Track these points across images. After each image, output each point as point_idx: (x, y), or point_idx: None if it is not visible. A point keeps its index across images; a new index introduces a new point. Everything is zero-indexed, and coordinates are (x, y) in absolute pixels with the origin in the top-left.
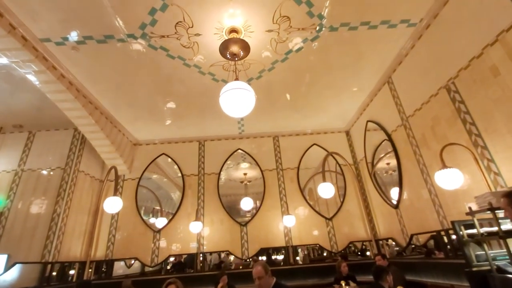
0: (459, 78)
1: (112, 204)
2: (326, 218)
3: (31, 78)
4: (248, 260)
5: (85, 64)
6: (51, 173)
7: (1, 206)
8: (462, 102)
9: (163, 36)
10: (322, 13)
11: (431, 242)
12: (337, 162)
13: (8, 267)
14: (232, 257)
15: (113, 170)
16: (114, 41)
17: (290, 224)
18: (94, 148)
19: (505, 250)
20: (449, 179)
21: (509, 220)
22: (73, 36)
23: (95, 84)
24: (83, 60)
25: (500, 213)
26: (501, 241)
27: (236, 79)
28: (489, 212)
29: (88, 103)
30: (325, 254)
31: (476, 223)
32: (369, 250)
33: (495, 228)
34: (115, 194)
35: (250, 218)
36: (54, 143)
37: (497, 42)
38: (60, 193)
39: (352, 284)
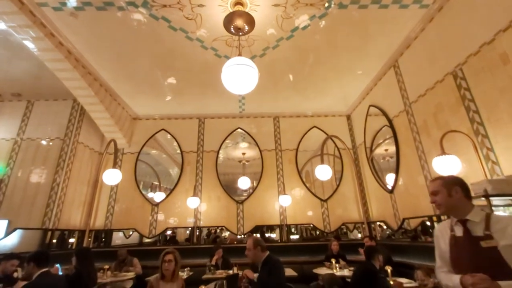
0: (467, 64)
1: (111, 176)
2: (321, 200)
3: (29, 44)
4: (243, 236)
5: (84, 32)
6: (50, 143)
7: (1, 173)
8: (467, 89)
9: (165, 6)
10: None
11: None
12: (336, 145)
13: (8, 232)
14: (227, 233)
15: (112, 143)
16: (114, 9)
17: (286, 204)
18: (94, 121)
19: None
20: (446, 166)
21: (501, 207)
22: (72, 1)
23: (94, 54)
24: (82, 28)
25: (494, 200)
26: None
27: (239, 55)
28: (483, 198)
29: (87, 73)
30: (317, 233)
31: None
32: (360, 232)
33: None
34: (114, 167)
35: (246, 197)
36: (53, 113)
37: (510, 28)
38: (59, 163)
39: (342, 262)
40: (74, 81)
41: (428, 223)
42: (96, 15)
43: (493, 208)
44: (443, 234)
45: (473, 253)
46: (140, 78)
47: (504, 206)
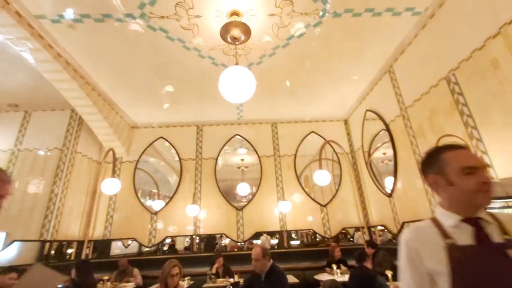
0: (459, 70)
1: (110, 186)
2: (320, 205)
3: (27, 56)
4: (243, 243)
5: (82, 43)
6: (48, 153)
7: None
8: (461, 94)
9: (162, 17)
10: None
11: None
12: (334, 150)
13: (6, 244)
14: (227, 240)
15: (110, 152)
16: (112, 20)
17: (286, 210)
18: (92, 130)
19: None
20: None
21: (496, 209)
22: (70, 13)
23: (92, 64)
24: (80, 39)
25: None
26: None
27: (236, 63)
28: None
29: (86, 84)
30: (318, 239)
31: None
32: (359, 237)
33: None
34: (113, 176)
35: (246, 203)
36: (50, 123)
37: (499, 34)
38: (57, 174)
39: (343, 267)
40: (73, 92)
41: None
42: (94, 27)
43: (488, 211)
44: (426, 245)
45: (504, 271)
46: (138, 87)
47: (499, 208)
